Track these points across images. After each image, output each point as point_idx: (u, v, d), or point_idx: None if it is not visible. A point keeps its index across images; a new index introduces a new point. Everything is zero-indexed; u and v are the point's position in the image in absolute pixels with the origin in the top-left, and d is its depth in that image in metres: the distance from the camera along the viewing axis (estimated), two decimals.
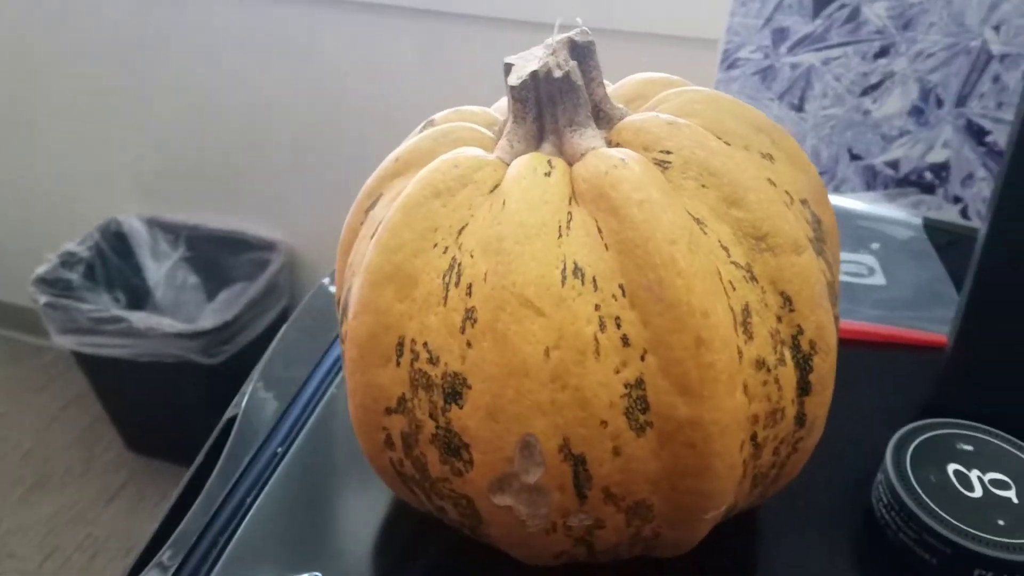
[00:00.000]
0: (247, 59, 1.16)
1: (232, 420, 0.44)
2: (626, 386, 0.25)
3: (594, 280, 0.25)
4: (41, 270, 1.28)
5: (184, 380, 1.28)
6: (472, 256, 0.26)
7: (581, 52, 0.28)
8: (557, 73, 0.28)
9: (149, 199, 1.40)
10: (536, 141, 0.29)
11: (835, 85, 0.63)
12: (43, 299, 1.23)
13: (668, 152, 0.27)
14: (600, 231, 0.26)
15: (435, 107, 1.11)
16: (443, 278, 0.27)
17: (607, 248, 0.26)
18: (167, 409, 1.37)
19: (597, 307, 0.25)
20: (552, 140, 0.29)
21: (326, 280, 0.55)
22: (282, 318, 1.34)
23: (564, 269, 0.25)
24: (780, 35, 0.62)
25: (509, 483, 0.27)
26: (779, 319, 0.28)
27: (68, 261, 1.32)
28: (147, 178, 1.38)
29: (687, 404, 0.25)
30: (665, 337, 0.25)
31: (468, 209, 0.27)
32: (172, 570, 0.36)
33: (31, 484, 1.44)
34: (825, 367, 0.29)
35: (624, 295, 0.25)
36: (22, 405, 1.59)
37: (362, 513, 0.38)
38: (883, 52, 0.60)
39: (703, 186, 0.27)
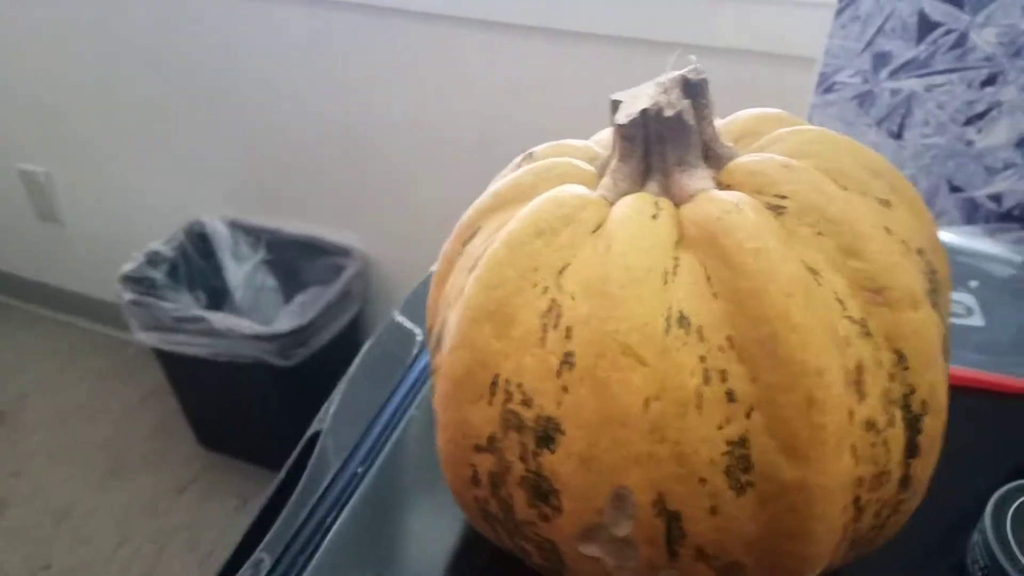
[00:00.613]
0: (330, 69, 1.19)
1: (316, 436, 0.45)
2: (729, 443, 0.24)
3: (700, 330, 0.24)
4: (127, 268, 1.32)
5: (258, 380, 1.30)
6: (573, 298, 0.26)
7: (693, 90, 0.27)
8: (668, 112, 0.27)
9: (232, 202, 1.43)
10: (641, 179, 0.28)
11: (937, 113, 0.60)
12: (128, 296, 1.27)
13: (783, 197, 0.26)
14: (709, 279, 0.25)
15: (513, 123, 1.11)
16: (542, 319, 0.26)
17: (716, 297, 0.25)
18: (240, 408, 1.40)
19: (702, 359, 0.24)
20: (658, 179, 0.28)
21: (398, 318, 0.54)
22: (354, 324, 1.36)
23: (669, 317, 0.25)
24: (881, 59, 0.60)
25: (598, 533, 0.26)
26: (891, 377, 0.26)
27: (153, 260, 1.36)
28: (231, 182, 1.42)
29: (793, 466, 0.24)
30: (774, 395, 0.24)
31: (570, 249, 0.27)
32: None
33: (108, 471, 1.49)
34: (935, 428, 0.27)
35: (732, 348, 0.24)
36: (104, 395, 1.65)
37: (439, 539, 0.38)
38: (991, 80, 0.58)
39: (819, 234, 0.25)
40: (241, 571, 0.37)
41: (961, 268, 0.59)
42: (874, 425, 0.26)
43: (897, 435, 0.27)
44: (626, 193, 0.28)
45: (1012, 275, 0.58)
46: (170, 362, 1.38)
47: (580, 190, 0.28)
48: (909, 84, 0.60)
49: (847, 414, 0.25)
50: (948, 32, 0.57)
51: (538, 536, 0.28)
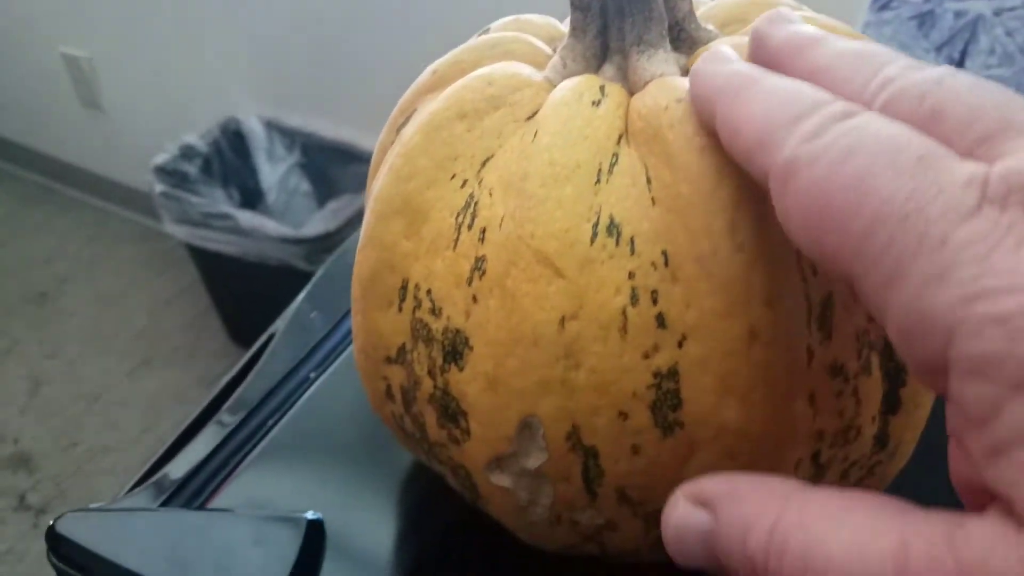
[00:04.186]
0: None
1: (271, 337, 0.42)
2: (656, 375, 0.21)
3: (632, 241, 0.20)
4: (160, 160, 1.31)
5: (285, 283, 1.29)
6: (491, 195, 0.22)
7: None
8: None
9: (270, 101, 1.40)
10: (597, 61, 0.24)
11: (1006, 41, 0.53)
12: (159, 188, 1.27)
13: None
14: (649, 181, 0.21)
15: None
16: (456, 217, 0.23)
17: (655, 203, 0.20)
18: (268, 308, 1.40)
19: (631, 275, 0.20)
20: (616, 61, 0.24)
21: None
22: None
23: (597, 223, 0.21)
24: None
25: (508, 464, 0.23)
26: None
27: (187, 153, 1.35)
28: (269, 80, 1.38)
29: (731, 408, 0.20)
30: (712, 323, 0.20)
31: (497, 137, 0.23)
32: (170, 490, 0.34)
33: (140, 361, 1.52)
34: None
35: (667, 264, 0.20)
36: (141, 286, 1.67)
37: (380, 462, 0.35)
38: None
39: None
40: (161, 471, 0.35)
41: None
42: (842, 370, 0.22)
43: (872, 384, 0.22)
44: (575, 76, 0.23)
45: None
46: (202, 257, 1.38)
47: (519, 68, 0.24)
48: (975, 6, 0.53)
49: (804, 353, 0.21)
50: None
51: (451, 460, 0.25)
